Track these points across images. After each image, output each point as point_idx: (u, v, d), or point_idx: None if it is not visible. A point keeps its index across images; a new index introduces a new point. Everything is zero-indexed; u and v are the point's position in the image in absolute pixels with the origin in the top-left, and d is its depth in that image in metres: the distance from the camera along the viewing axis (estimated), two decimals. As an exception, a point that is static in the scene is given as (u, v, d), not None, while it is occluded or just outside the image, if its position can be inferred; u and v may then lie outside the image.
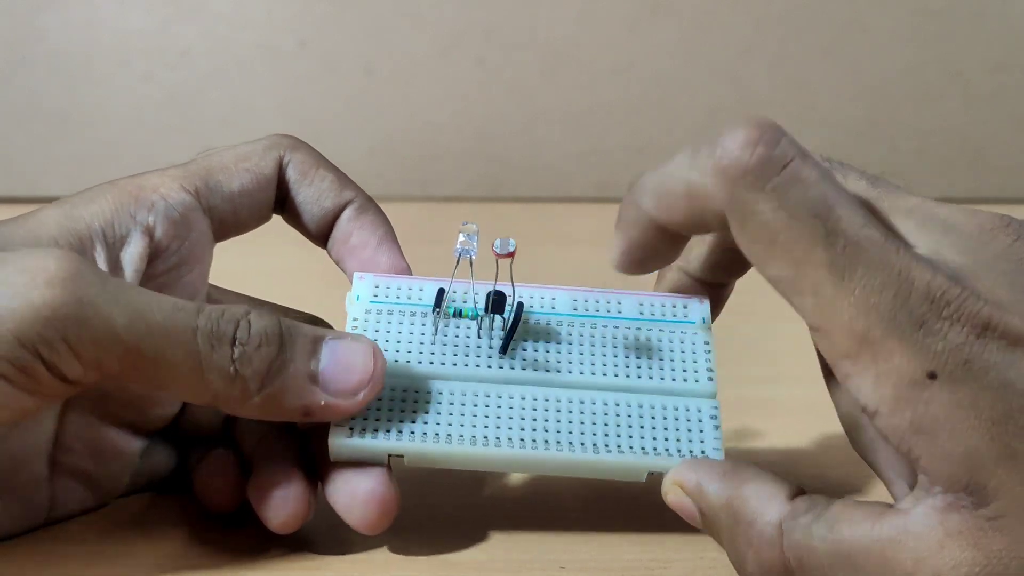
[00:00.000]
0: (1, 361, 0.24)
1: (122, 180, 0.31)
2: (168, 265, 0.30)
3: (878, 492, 0.31)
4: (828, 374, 0.28)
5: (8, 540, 0.29)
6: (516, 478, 0.34)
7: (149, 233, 0.29)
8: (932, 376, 0.23)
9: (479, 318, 0.30)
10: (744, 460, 0.28)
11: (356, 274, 0.31)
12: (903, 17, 0.68)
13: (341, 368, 0.27)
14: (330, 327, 0.31)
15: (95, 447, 0.30)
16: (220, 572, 0.28)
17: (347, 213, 0.32)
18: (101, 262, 0.28)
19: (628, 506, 0.31)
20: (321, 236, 0.32)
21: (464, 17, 0.67)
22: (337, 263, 0.32)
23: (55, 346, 0.24)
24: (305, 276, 0.41)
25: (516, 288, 0.30)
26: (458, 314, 0.30)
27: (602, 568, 0.29)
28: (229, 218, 0.31)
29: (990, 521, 0.23)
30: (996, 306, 0.23)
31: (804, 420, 0.36)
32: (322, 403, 0.27)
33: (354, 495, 0.28)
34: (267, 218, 0.33)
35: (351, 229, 0.32)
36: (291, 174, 0.32)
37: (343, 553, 0.29)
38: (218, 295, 0.33)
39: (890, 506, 0.25)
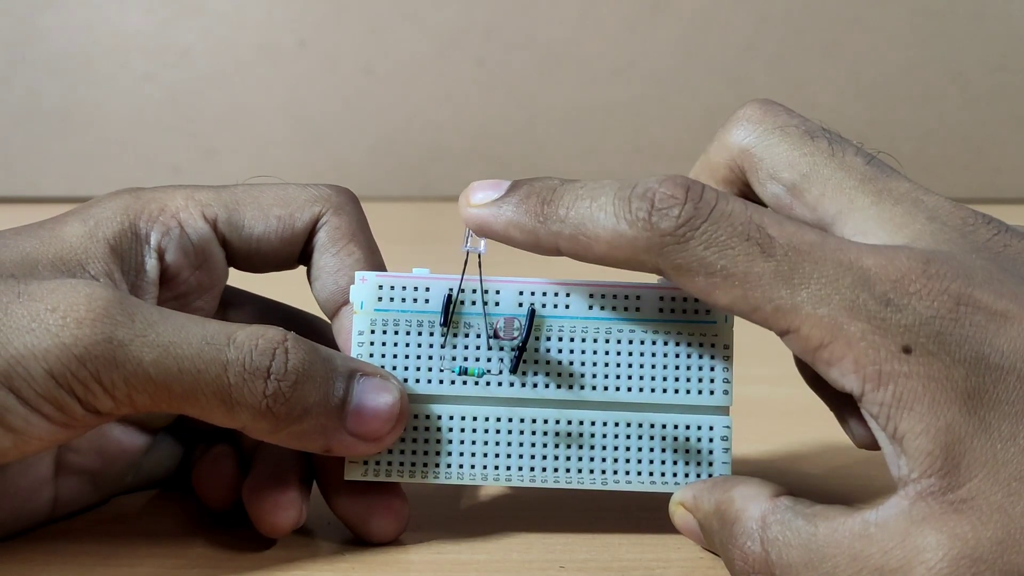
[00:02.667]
0: (39, 399, 0.25)
1: (147, 192, 0.30)
2: (176, 292, 0.30)
3: (878, 492, 0.31)
4: (806, 374, 0.28)
5: (10, 539, 0.29)
6: (516, 478, 0.34)
7: (161, 259, 0.29)
8: (907, 350, 0.23)
9: (488, 336, 0.29)
10: (741, 462, 0.28)
11: (358, 274, 0.30)
12: (903, 17, 0.68)
13: (368, 412, 0.27)
14: (329, 326, 0.31)
15: (100, 445, 0.30)
16: (220, 572, 0.28)
17: None
18: (121, 281, 0.28)
19: (628, 506, 0.31)
20: (328, 310, 0.31)
21: (464, 17, 0.67)
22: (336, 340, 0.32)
23: (88, 385, 0.25)
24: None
25: (528, 284, 0.29)
26: (464, 372, 0.29)
27: (602, 568, 0.29)
28: (243, 258, 0.31)
29: (955, 504, 0.23)
30: (967, 283, 0.24)
31: (803, 421, 0.36)
32: (344, 444, 0.27)
33: (366, 511, 0.29)
34: (288, 267, 0.32)
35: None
36: (321, 237, 0.31)
37: (342, 553, 0.29)
38: (228, 295, 0.33)
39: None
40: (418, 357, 0.29)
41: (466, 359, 0.29)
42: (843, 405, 0.29)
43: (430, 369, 0.29)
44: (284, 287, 0.34)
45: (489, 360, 0.29)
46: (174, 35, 0.66)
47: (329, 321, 0.31)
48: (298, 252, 0.31)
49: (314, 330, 0.32)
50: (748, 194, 0.29)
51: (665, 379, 0.29)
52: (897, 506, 0.23)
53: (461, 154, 0.69)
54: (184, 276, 0.30)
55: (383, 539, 0.29)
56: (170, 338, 0.25)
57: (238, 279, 0.33)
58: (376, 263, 0.31)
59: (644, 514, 0.29)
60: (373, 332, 0.29)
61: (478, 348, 0.29)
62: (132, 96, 0.67)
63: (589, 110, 0.69)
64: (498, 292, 0.29)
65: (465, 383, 0.29)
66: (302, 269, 0.32)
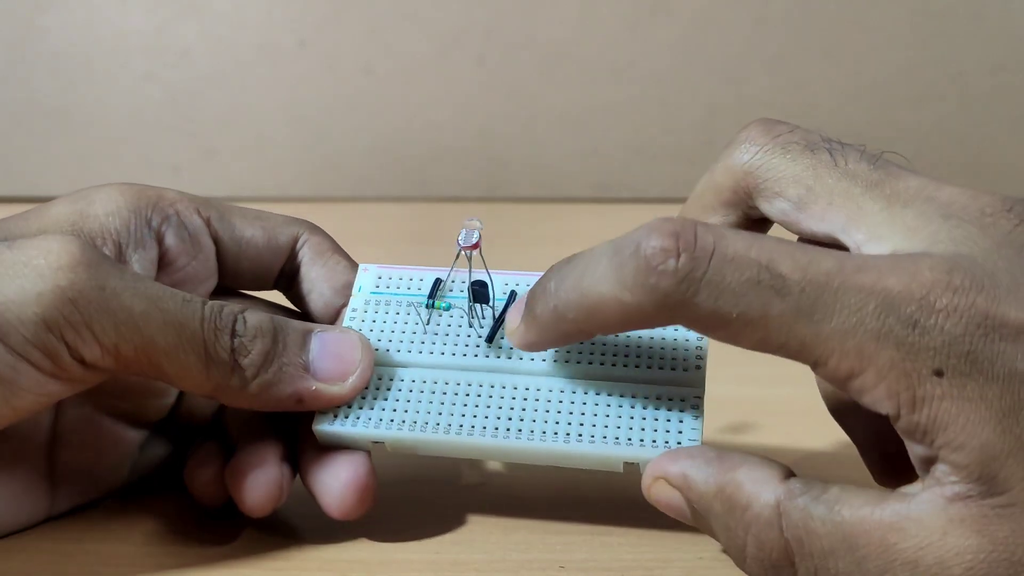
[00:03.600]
0: (27, 346, 0.25)
1: (139, 185, 0.31)
2: (173, 279, 0.31)
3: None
4: (832, 407, 0.28)
5: (10, 536, 0.29)
6: (516, 479, 0.34)
7: (160, 241, 0.30)
8: (939, 373, 0.23)
9: (469, 307, 0.31)
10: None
11: (361, 265, 0.33)
12: (903, 17, 0.68)
13: (330, 357, 0.29)
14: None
15: (93, 440, 0.30)
16: (220, 571, 0.28)
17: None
18: (111, 253, 0.29)
19: (628, 506, 0.31)
20: (327, 316, 0.33)
21: (464, 17, 0.67)
22: None
23: (78, 329, 0.25)
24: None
25: (506, 276, 0.31)
26: (431, 306, 0.31)
27: (602, 568, 0.29)
28: (231, 259, 0.32)
29: (996, 509, 0.23)
30: (993, 297, 0.23)
31: (804, 421, 0.36)
32: (313, 388, 0.28)
33: (333, 480, 0.29)
34: (266, 286, 0.34)
35: None
36: (306, 252, 0.33)
37: (341, 554, 0.29)
38: (218, 294, 0.33)
39: (889, 490, 0.25)
40: (402, 332, 0.31)
41: (449, 325, 0.31)
42: (868, 449, 0.29)
43: (411, 341, 0.31)
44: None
45: (468, 336, 0.31)
46: (174, 35, 0.66)
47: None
48: (279, 266, 0.33)
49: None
50: (755, 215, 0.28)
51: (639, 354, 0.30)
52: (933, 503, 0.23)
53: (461, 154, 0.69)
54: (181, 263, 0.31)
55: (347, 512, 0.28)
56: (156, 292, 0.26)
57: None
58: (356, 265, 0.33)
59: (644, 514, 0.29)
60: (366, 311, 0.32)
61: (459, 327, 0.31)
62: (132, 96, 0.67)
63: (589, 110, 0.69)
64: (484, 285, 0.31)
65: (447, 335, 0.31)
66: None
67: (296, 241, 0.33)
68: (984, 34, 0.69)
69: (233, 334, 0.27)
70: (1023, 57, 0.69)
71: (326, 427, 0.29)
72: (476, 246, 0.30)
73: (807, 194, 0.27)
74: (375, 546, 0.30)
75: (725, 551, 0.27)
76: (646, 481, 0.27)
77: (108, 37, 0.66)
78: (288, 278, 0.33)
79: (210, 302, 0.28)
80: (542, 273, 0.29)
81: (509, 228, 0.62)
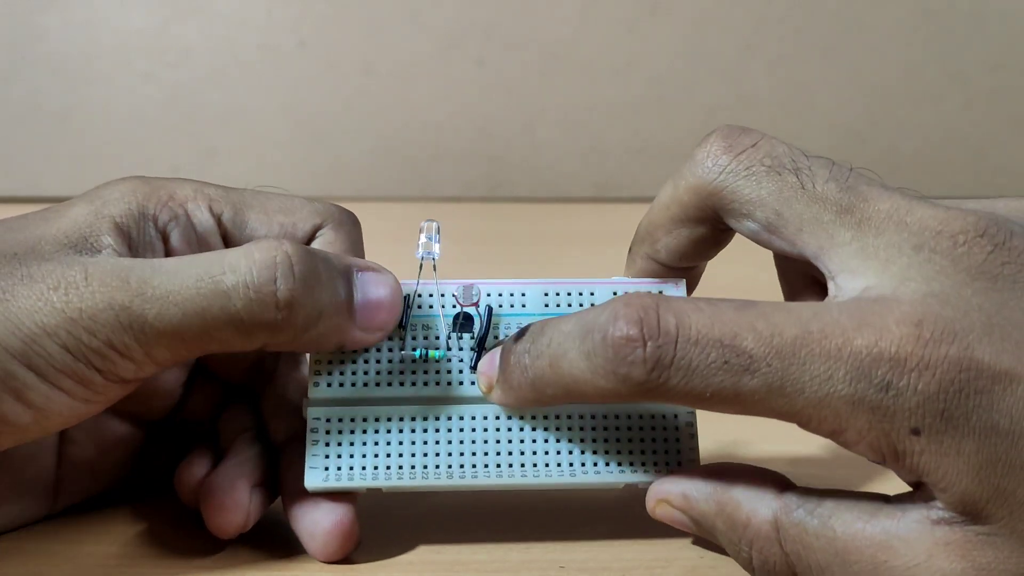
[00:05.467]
0: (56, 374, 0.25)
1: (157, 180, 0.31)
2: None
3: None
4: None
5: (12, 540, 0.29)
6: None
7: (165, 242, 0.30)
8: (916, 432, 0.23)
9: (448, 334, 0.29)
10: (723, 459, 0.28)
11: None
12: (903, 17, 0.68)
13: (373, 304, 0.28)
14: None
15: (99, 437, 0.31)
16: (219, 572, 0.28)
17: None
18: (126, 255, 0.28)
19: (628, 506, 0.31)
20: None
21: (464, 17, 0.67)
22: None
23: (103, 353, 0.25)
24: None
25: (484, 286, 0.30)
26: (424, 358, 0.29)
27: (602, 568, 0.29)
28: None
29: (980, 536, 0.23)
30: (966, 344, 0.23)
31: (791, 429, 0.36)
32: (357, 338, 0.28)
33: (316, 527, 0.28)
34: None
35: None
36: (315, 247, 0.31)
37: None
38: None
39: (883, 498, 0.25)
40: (378, 362, 0.29)
41: (426, 343, 0.29)
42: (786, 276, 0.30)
43: (390, 372, 0.29)
44: None
45: (449, 360, 0.29)
46: (174, 35, 0.66)
47: None
48: None
49: None
50: (723, 227, 0.28)
51: None
52: (920, 523, 0.24)
53: (461, 154, 0.69)
54: None
55: (330, 556, 0.28)
56: (166, 288, 0.26)
57: None
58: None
59: (644, 514, 0.29)
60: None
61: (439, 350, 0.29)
62: (132, 96, 0.67)
63: (589, 110, 0.69)
64: (455, 295, 0.29)
65: (426, 368, 0.29)
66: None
67: (314, 236, 0.31)
68: (984, 34, 0.69)
69: (276, 286, 0.26)
70: (1023, 56, 0.69)
71: (319, 484, 0.28)
72: (475, 304, 0.29)
73: (776, 219, 0.26)
74: (376, 547, 0.30)
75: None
76: (650, 504, 0.28)
77: (108, 37, 0.66)
78: None
79: (233, 261, 0.26)
80: (507, 281, 0.30)
81: (509, 228, 0.62)
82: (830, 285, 0.26)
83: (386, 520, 0.31)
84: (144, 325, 0.25)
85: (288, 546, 0.29)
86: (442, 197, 0.69)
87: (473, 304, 0.29)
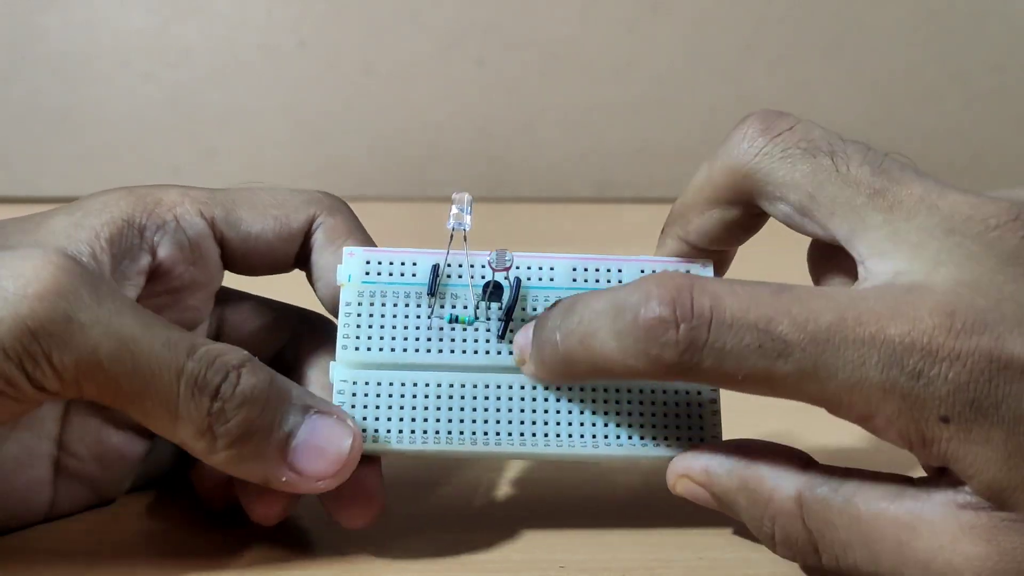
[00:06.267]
0: None
1: (141, 189, 0.30)
2: (169, 287, 0.30)
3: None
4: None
5: (9, 540, 0.29)
6: (516, 478, 0.34)
7: (152, 253, 0.29)
8: (945, 420, 0.23)
9: (476, 303, 0.29)
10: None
11: (346, 249, 0.30)
12: (903, 17, 0.68)
13: (313, 451, 0.26)
14: (331, 322, 0.31)
15: (99, 450, 0.30)
16: (218, 572, 0.28)
17: None
18: (106, 264, 0.28)
19: (628, 505, 0.31)
20: (332, 307, 0.31)
21: (464, 17, 0.67)
22: None
23: (38, 360, 0.24)
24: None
25: (514, 259, 0.29)
26: (454, 320, 0.29)
27: (602, 568, 0.29)
28: (240, 257, 0.31)
29: (1005, 522, 0.23)
30: (997, 335, 0.23)
31: (810, 418, 0.36)
32: (283, 480, 0.26)
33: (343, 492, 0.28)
34: (285, 269, 0.32)
35: None
36: (319, 236, 0.31)
37: (342, 554, 0.29)
38: (224, 293, 0.33)
39: (906, 480, 0.25)
40: (405, 327, 0.29)
41: (455, 307, 0.29)
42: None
43: (417, 339, 0.29)
44: (283, 291, 0.34)
45: (476, 330, 0.29)
46: (174, 35, 0.66)
47: (334, 319, 0.31)
48: (294, 252, 0.31)
49: (313, 325, 0.32)
50: (756, 211, 0.28)
51: None
52: (946, 507, 0.24)
53: (461, 154, 0.69)
54: (179, 271, 0.30)
55: (355, 523, 0.28)
56: (132, 332, 0.25)
57: (235, 282, 0.33)
58: None
59: (644, 514, 0.29)
60: (360, 304, 0.29)
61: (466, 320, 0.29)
62: (132, 96, 0.67)
63: (589, 110, 0.69)
64: (483, 266, 0.30)
65: (454, 329, 0.29)
66: (298, 275, 0.32)
67: (311, 224, 0.31)
68: (985, 34, 0.69)
69: (216, 395, 0.25)
70: (1023, 56, 0.69)
71: None
72: (507, 268, 0.29)
73: (809, 202, 0.26)
74: (376, 547, 0.30)
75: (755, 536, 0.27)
76: (671, 478, 0.28)
77: (108, 37, 0.66)
78: (304, 261, 0.31)
79: (202, 350, 0.25)
80: (535, 255, 0.30)
81: (509, 228, 0.62)
82: (860, 269, 0.26)
83: (388, 520, 0.31)
84: (91, 355, 0.24)
85: (291, 546, 0.29)
86: (442, 197, 0.69)
87: (506, 268, 0.29)
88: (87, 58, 0.66)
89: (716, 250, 0.30)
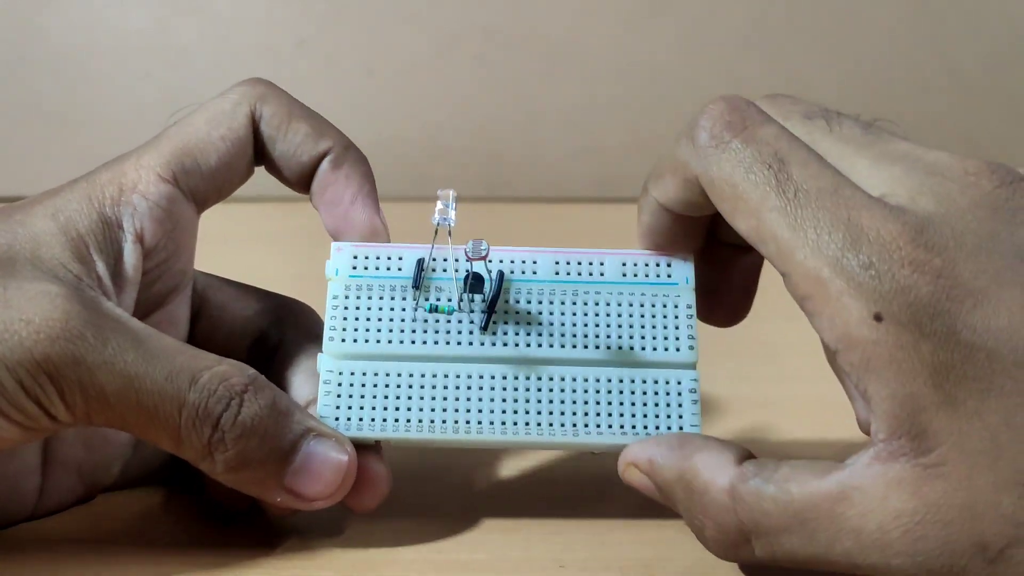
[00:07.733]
0: (8, 406, 0.25)
1: (100, 178, 0.30)
2: (157, 261, 0.30)
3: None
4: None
5: (4, 537, 0.29)
6: (515, 477, 0.34)
7: (140, 240, 0.29)
8: (878, 317, 0.24)
9: (460, 296, 0.30)
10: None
11: (334, 245, 0.31)
12: (902, 15, 0.68)
13: (310, 475, 0.28)
14: (317, 315, 0.32)
15: (86, 435, 0.30)
16: (217, 571, 0.28)
17: (324, 165, 0.32)
18: (105, 276, 0.28)
19: (628, 504, 0.31)
20: (303, 188, 0.32)
21: (464, 17, 0.67)
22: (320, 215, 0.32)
23: (51, 397, 0.26)
24: (290, 233, 0.41)
25: (496, 252, 0.30)
26: (435, 309, 0.30)
27: (602, 567, 0.29)
28: (212, 194, 0.31)
29: (929, 469, 0.23)
30: (952, 260, 0.24)
31: (810, 418, 0.36)
32: (278, 500, 0.28)
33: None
34: (249, 176, 0.32)
35: (326, 183, 0.31)
36: (265, 129, 0.31)
37: (342, 552, 0.29)
38: (205, 282, 0.33)
39: (837, 462, 0.25)
40: (391, 320, 0.30)
41: (438, 299, 0.30)
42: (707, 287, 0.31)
43: (402, 331, 0.30)
44: (264, 245, 0.34)
45: (460, 321, 0.30)
46: (173, 35, 0.66)
47: (314, 308, 0.32)
48: (251, 157, 0.31)
49: (293, 313, 0.33)
50: None
51: (631, 337, 0.30)
52: (871, 467, 0.24)
53: (461, 153, 0.69)
54: (164, 242, 0.30)
55: (363, 506, 0.29)
56: (135, 370, 0.26)
57: (219, 257, 0.33)
58: (322, 127, 0.32)
59: (644, 512, 0.29)
60: (347, 297, 0.30)
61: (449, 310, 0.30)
62: (132, 96, 0.67)
63: (589, 109, 0.69)
64: (464, 250, 0.30)
65: (437, 321, 0.30)
66: (280, 270, 0.32)
67: (253, 120, 0.31)
68: (981, 26, 0.69)
69: (216, 426, 0.26)
70: (1020, 49, 0.69)
71: None
72: (484, 258, 0.29)
73: None
74: (376, 546, 0.30)
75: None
76: (621, 466, 0.29)
77: (108, 37, 0.66)
78: (259, 154, 0.32)
79: (205, 377, 0.27)
80: (518, 249, 0.31)
81: (509, 228, 0.62)
82: None
83: (387, 519, 0.31)
84: (100, 393, 0.26)
85: (290, 544, 0.29)
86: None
87: (481, 258, 0.29)
88: (87, 58, 0.66)
89: (696, 216, 0.30)
